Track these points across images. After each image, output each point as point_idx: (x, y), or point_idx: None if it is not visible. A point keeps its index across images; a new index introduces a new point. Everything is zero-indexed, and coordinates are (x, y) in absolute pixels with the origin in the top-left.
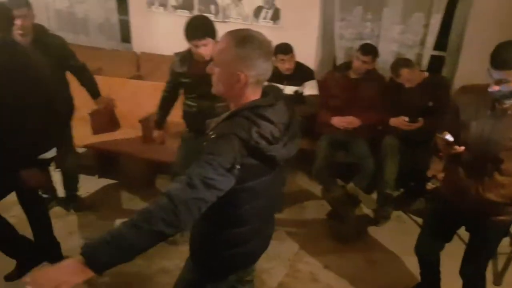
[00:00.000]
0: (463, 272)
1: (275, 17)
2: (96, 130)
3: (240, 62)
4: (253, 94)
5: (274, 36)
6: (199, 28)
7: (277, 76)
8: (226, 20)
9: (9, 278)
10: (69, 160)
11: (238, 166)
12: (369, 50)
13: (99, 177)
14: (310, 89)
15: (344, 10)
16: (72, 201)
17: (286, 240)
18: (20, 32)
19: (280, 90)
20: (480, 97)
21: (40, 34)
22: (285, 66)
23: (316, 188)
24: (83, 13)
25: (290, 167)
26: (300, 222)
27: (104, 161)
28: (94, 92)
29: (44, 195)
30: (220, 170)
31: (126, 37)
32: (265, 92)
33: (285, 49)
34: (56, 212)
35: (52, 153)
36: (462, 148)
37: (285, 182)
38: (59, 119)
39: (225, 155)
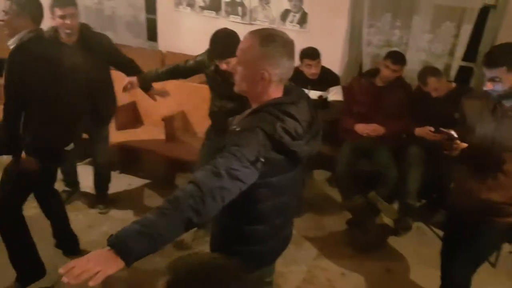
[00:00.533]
0: (452, 274)
1: (302, 21)
2: (120, 126)
3: (264, 61)
4: (276, 92)
5: (300, 40)
6: (221, 49)
7: (302, 81)
8: (253, 23)
9: None
10: (104, 158)
11: (262, 160)
12: (399, 59)
13: (120, 172)
14: (334, 94)
15: (373, 16)
16: (101, 200)
17: (304, 245)
18: (67, 31)
19: (302, 89)
20: (483, 100)
21: (85, 33)
22: (311, 71)
23: (337, 195)
24: (110, 10)
25: (309, 172)
26: (319, 228)
27: (126, 157)
28: (145, 85)
29: (67, 188)
30: (245, 162)
31: (152, 35)
32: (288, 91)
33: (312, 54)
34: (76, 206)
35: (70, 146)
36: (465, 144)
37: (305, 185)
38: (79, 114)
39: (250, 147)
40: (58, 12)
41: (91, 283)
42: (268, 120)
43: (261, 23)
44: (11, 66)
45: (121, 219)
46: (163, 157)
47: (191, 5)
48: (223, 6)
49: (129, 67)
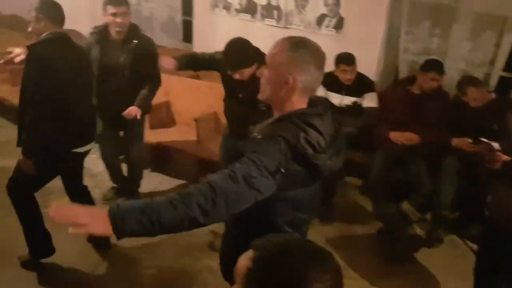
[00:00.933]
0: None
1: (338, 26)
2: (153, 125)
3: (290, 65)
4: (299, 102)
5: (336, 45)
6: (233, 61)
7: (337, 86)
8: (288, 26)
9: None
10: (137, 155)
11: (282, 171)
12: (442, 69)
13: (152, 170)
14: (369, 101)
15: (411, 23)
16: (131, 197)
17: (333, 253)
18: (117, 29)
19: (328, 102)
20: None
21: (132, 33)
22: (346, 77)
23: (368, 203)
24: (149, 11)
25: (341, 179)
26: (348, 237)
27: (158, 155)
28: (144, 104)
29: (114, 185)
30: (264, 171)
31: (187, 37)
32: (313, 102)
33: (348, 59)
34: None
35: (85, 148)
36: (506, 157)
37: (335, 192)
38: (93, 118)
39: (271, 156)
40: (111, 9)
41: (70, 230)
42: (291, 130)
43: (296, 27)
44: (26, 63)
45: None
46: (194, 157)
47: (227, 7)
48: (258, 9)
49: (150, 80)
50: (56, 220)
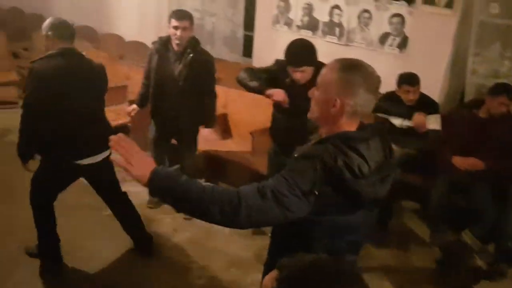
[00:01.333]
0: None
1: (402, 45)
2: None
3: (340, 87)
4: (347, 125)
5: (399, 64)
6: (297, 56)
7: (399, 106)
8: (350, 44)
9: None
10: (190, 164)
11: (316, 192)
12: (507, 91)
13: (206, 180)
14: (432, 123)
15: (480, 44)
16: None
17: (385, 280)
18: (177, 41)
19: (380, 127)
20: None
21: (191, 47)
22: (409, 97)
23: (426, 230)
24: (211, 25)
25: (397, 201)
26: (403, 264)
27: (213, 166)
28: (206, 120)
29: None
30: (296, 190)
31: (248, 51)
32: (362, 125)
33: (411, 80)
34: (164, 208)
35: (88, 160)
36: None
37: (391, 216)
38: (99, 129)
39: (305, 176)
40: (173, 23)
41: (114, 160)
42: (330, 152)
43: (358, 45)
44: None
45: (204, 226)
46: (248, 170)
47: (288, 24)
48: (320, 26)
49: (206, 95)
50: (112, 147)
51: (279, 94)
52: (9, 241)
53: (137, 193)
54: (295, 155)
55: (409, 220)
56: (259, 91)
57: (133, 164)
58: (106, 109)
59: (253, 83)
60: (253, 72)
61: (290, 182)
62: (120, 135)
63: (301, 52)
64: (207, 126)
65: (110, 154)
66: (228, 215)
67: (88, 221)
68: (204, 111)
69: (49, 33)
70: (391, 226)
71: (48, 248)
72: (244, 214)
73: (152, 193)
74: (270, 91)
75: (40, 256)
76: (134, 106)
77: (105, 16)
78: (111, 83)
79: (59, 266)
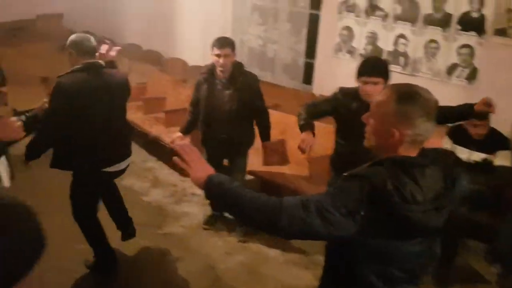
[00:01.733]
0: None
1: (471, 76)
2: (267, 162)
3: (397, 119)
4: (407, 152)
5: (467, 97)
6: (374, 66)
7: (465, 140)
8: (415, 74)
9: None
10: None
11: (362, 213)
12: None
13: None
14: (502, 159)
15: None
16: (239, 225)
17: None
18: (220, 68)
19: (443, 157)
20: None
21: (236, 70)
22: (477, 131)
23: (492, 271)
24: (272, 53)
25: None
26: None
27: (267, 192)
28: (264, 135)
29: (214, 212)
30: (341, 208)
31: (307, 79)
32: (424, 153)
33: (481, 114)
34: (218, 231)
35: (114, 168)
36: None
37: (455, 254)
38: (119, 139)
39: (351, 195)
40: (215, 51)
41: (175, 160)
42: (381, 174)
43: (424, 75)
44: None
45: (257, 251)
46: None
47: (351, 52)
48: (384, 55)
49: (259, 114)
50: (175, 148)
51: (304, 141)
52: (69, 252)
53: (193, 214)
54: (345, 174)
55: (475, 260)
56: (301, 131)
57: (192, 168)
58: (169, 129)
59: (301, 122)
60: (310, 108)
61: (336, 199)
62: (185, 141)
63: (376, 63)
64: (267, 140)
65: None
66: (271, 222)
67: (145, 240)
68: (264, 128)
69: (72, 50)
70: (455, 264)
71: (103, 260)
72: (286, 223)
73: (206, 195)
74: (302, 136)
75: (97, 269)
76: (179, 134)
77: (171, 41)
78: (173, 106)
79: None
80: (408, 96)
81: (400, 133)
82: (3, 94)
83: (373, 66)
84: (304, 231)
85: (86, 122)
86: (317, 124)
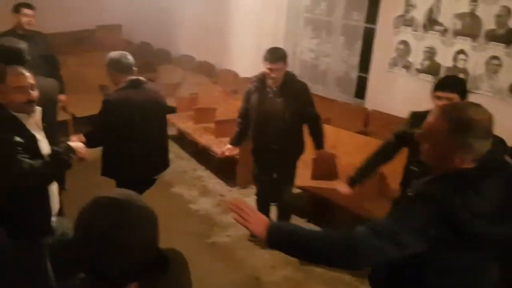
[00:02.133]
0: None
1: None
2: (316, 176)
3: (454, 148)
4: (466, 165)
5: None
6: (451, 82)
7: None
8: (475, 91)
9: None
10: (286, 199)
11: (431, 231)
12: None
13: (308, 221)
14: None
15: None
16: None
17: None
18: (271, 80)
19: (500, 162)
20: None
21: (288, 79)
22: None
23: None
24: (325, 66)
25: None
26: None
27: (316, 206)
28: (319, 143)
29: None
30: (412, 229)
31: (359, 93)
32: (483, 162)
33: None
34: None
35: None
36: None
37: None
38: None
39: (419, 214)
40: (267, 65)
41: (233, 216)
42: (447, 192)
43: (484, 93)
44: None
45: (303, 267)
46: (353, 215)
47: (407, 67)
48: (442, 71)
49: (312, 121)
50: (233, 210)
51: (341, 187)
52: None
53: (239, 225)
54: (410, 194)
55: None
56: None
57: (251, 222)
58: (219, 139)
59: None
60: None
61: (405, 222)
62: (237, 200)
63: (453, 79)
64: (321, 148)
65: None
66: (348, 257)
67: (191, 248)
68: (318, 135)
69: (111, 70)
70: None
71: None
72: (361, 255)
73: (270, 247)
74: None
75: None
76: (229, 146)
77: (223, 53)
78: (223, 116)
79: None
80: (463, 125)
81: (460, 160)
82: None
83: (450, 82)
84: (378, 258)
85: (132, 136)
86: (372, 140)
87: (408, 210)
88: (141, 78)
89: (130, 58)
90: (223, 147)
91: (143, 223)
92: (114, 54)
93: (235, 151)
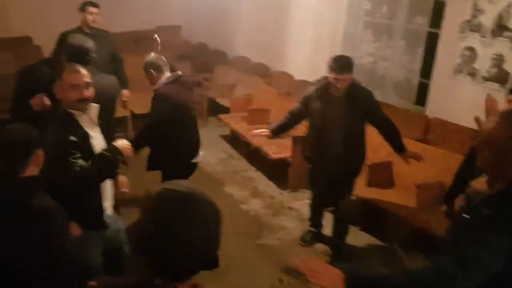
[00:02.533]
0: None
1: None
2: (371, 183)
3: None
4: None
5: None
6: None
7: None
8: None
9: None
10: (345, 208)
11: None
12: None
13: (361, 229)
14: None
15: None
16: (335, 249)
17: None
18: (335, 89)
19: None
20: None
21: (352, 87)
22: None
23: None
24: (383, 70)
25: None
26: None
27: (370, 215)
28: (399, 146)
29: (312, 229)
30: (496, 254)
31: (419, 99)
32: None
33: None
34: (315, 249)
35: (197, 159)
36: None
37: None
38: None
39: (504, 238)
40: (333, 75)
41: (311, 277)
42: None
43: None
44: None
45: None
46: (409, 225)
47: (472, 74)
48: (510, 79)
49: (383, 125)
50: (301, 269)
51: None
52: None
53: (289, 228)
54: (486, 214)
55: None
56: None
57: (321, 275)
58: (270, 141)
59: None
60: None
61: (488, 247)
62: (304, 259)
63: None
64: (404, 150)
65: None
66: None
67: (240, 248)
68: (395, 136)
69: (151, 70)
70: None
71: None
72: (445, 286)
73: None
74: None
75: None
76: (265, 130)
77: (279, 55)
78: (277, 118)
79: None
80: None
81: None
82: (126, 96)
83: None
84: (466, 286)
85: (182, 122)
86: (433, 149)
87: (493, 234)
88: (179, 72)
89: (164, 58)
90: (257, 131)
91: (207, 217)
92: (150, 57)
93: (267, 137)
